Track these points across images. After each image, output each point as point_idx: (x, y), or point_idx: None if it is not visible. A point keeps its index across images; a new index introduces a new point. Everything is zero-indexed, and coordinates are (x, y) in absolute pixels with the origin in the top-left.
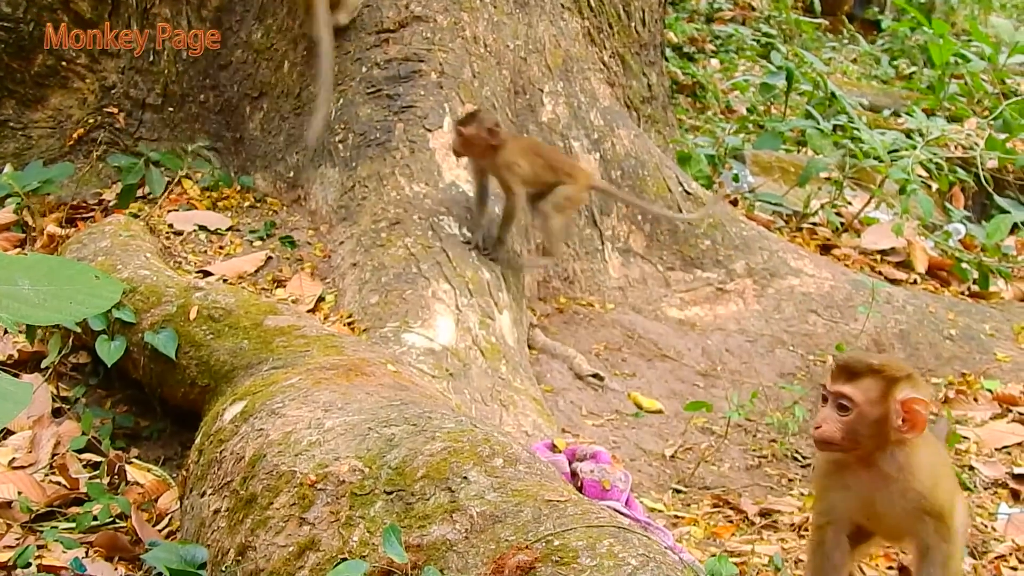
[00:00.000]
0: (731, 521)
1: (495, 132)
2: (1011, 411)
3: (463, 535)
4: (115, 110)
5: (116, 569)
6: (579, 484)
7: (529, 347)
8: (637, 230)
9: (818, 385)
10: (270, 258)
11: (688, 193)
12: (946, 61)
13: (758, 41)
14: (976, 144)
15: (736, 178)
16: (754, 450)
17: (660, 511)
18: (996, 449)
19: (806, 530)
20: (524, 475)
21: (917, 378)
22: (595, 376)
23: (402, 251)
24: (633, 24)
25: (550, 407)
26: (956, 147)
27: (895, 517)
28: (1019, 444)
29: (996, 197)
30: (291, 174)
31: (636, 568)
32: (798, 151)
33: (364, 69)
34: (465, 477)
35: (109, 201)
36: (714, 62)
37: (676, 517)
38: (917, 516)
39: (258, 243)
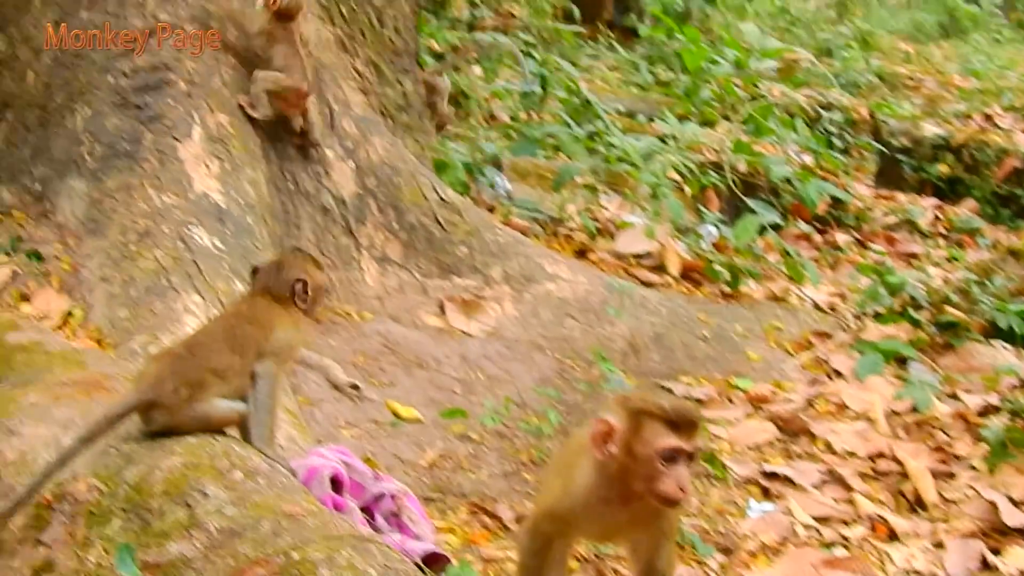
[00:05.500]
0: (488, 528)
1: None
2: (763, 409)
3: (201, 551)
4: None
5: None
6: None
7: None
8: (393, 238)
9: (663, 448)
10: (16, 273)
11: (444, 201)
12: (698, 67)
13: (518, 49)
14: (726, 147)
15: (492, 185)
16: (511, 456)
17: None
18: (748, 447)
19: None
20: (263, 488)
21: None
22: (352, 386)
23: (152, 264)
24: (386, 32)
25: (307, 419)
26: (708, 150)
27: (642, 541)
28: (770, 442)
29: (746, 199)
30: (37, 187)
31: None
32: (555, 156)
33: (111, 79)
34: (203, 492)
35: None
36: (476, 70)
37: (434, 527)
38: (659, 537)
39: (3, 258)
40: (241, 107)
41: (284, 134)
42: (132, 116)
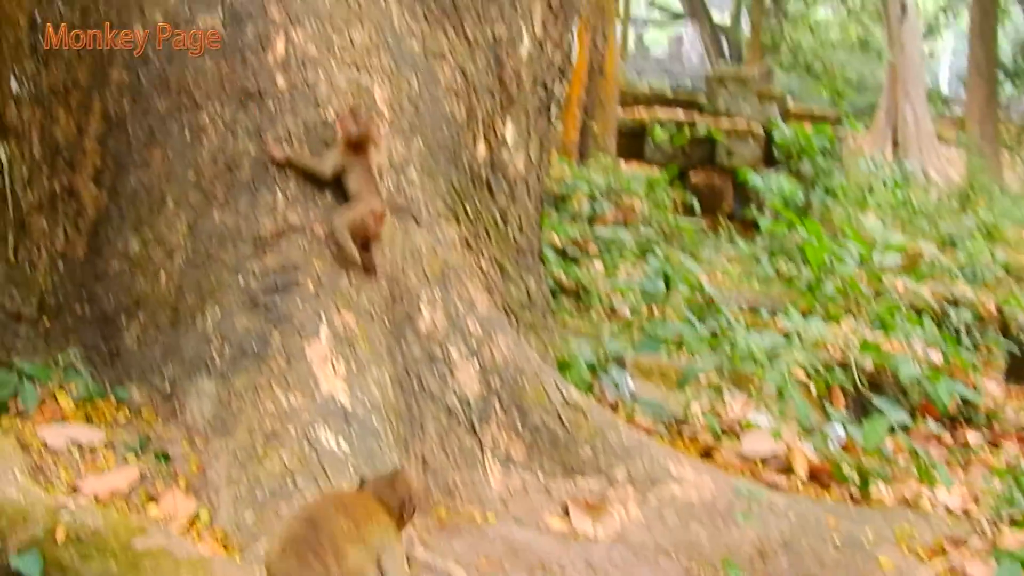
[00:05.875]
0: None
1: None
2: None
3: None
4: None
5: None
6: None
7: (408, 562)
8: (517, 438)
9: None
10: (143, 474)
11: (567, 401)
12: (821, 262)
13: (639, 243)
14: (852, 344)
15: (616, 384)
16: None
17: None
18: None
19: None
20: None
21: None
22: None
23: (278, 466)
24: (510, 231)
25: None
26: (834, 348)
27: None
28: None
29: (873, 398)
30: (167, 386)
31: None
32: (678, 354)
33: (241, 280)
34: None
35: None
36: (597, 264)
37: None
38: None
39: (132, 458)
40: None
41: (408, 334)
42: (261, 317)
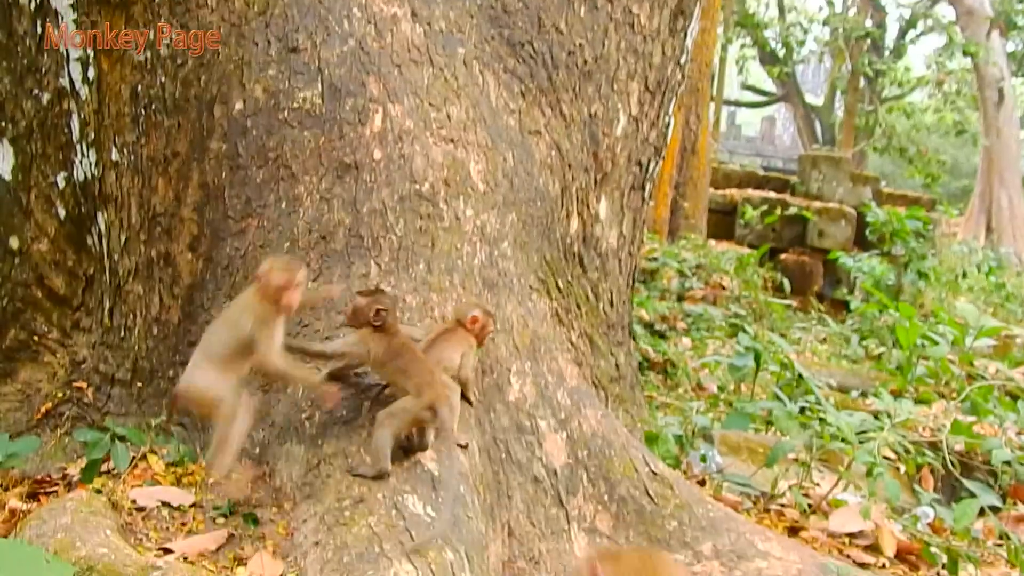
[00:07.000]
0: None
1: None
2: None
3: None
4: (84, 385)
5: None
6: None
7: None
8: (603, 510)
9: None
10: (232, 536)
11: (655, 474)
12: (913, 344)
13: (728, 321)
14: (943, 426)
15: (704, 459)
16: None
17: None
18: None
19: None
20: None
21: None
22: None
23: (365, 530)
24: (601, 305)
25: None
26: (924, 429)
27: None
28: None
29: (964, 480)
30: (256, 450)
31: None
32: (766, 431)
33: None
34: None
35: (73, 476)
36: (685, 340)
37: None
38: None
39: (221, 520)
40: None
41: (497, 405)
42: (351, 383)
